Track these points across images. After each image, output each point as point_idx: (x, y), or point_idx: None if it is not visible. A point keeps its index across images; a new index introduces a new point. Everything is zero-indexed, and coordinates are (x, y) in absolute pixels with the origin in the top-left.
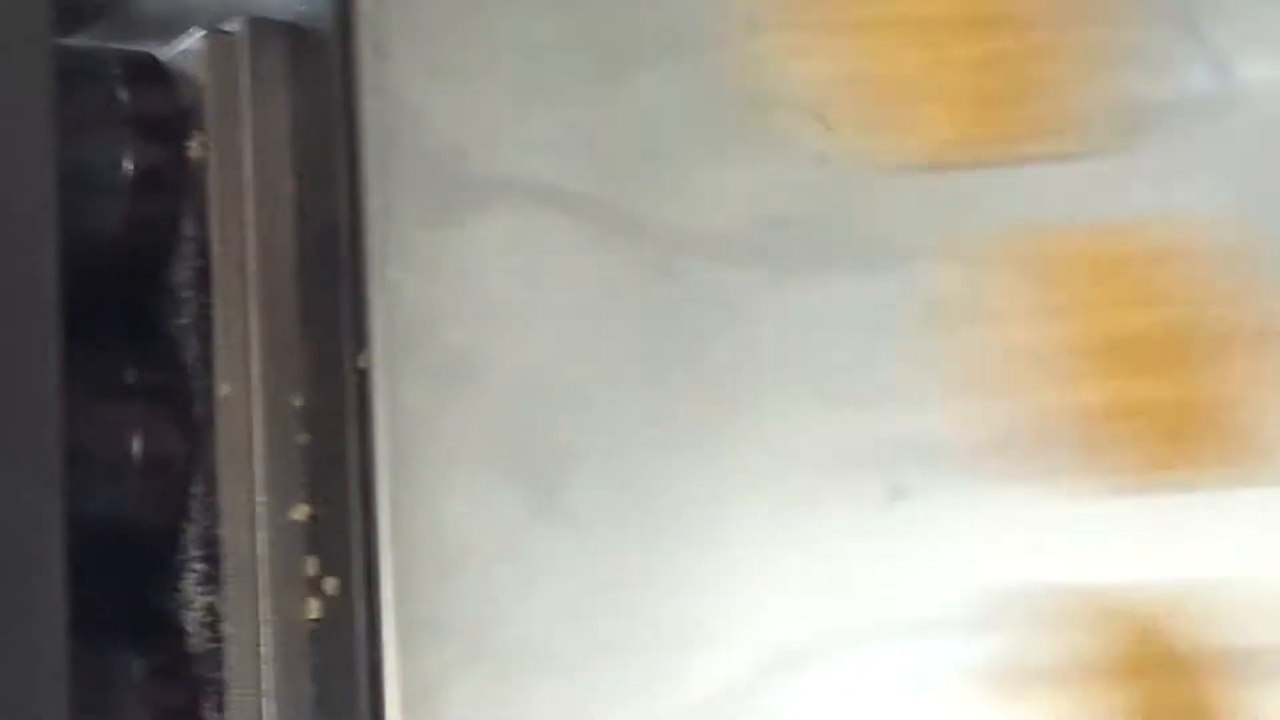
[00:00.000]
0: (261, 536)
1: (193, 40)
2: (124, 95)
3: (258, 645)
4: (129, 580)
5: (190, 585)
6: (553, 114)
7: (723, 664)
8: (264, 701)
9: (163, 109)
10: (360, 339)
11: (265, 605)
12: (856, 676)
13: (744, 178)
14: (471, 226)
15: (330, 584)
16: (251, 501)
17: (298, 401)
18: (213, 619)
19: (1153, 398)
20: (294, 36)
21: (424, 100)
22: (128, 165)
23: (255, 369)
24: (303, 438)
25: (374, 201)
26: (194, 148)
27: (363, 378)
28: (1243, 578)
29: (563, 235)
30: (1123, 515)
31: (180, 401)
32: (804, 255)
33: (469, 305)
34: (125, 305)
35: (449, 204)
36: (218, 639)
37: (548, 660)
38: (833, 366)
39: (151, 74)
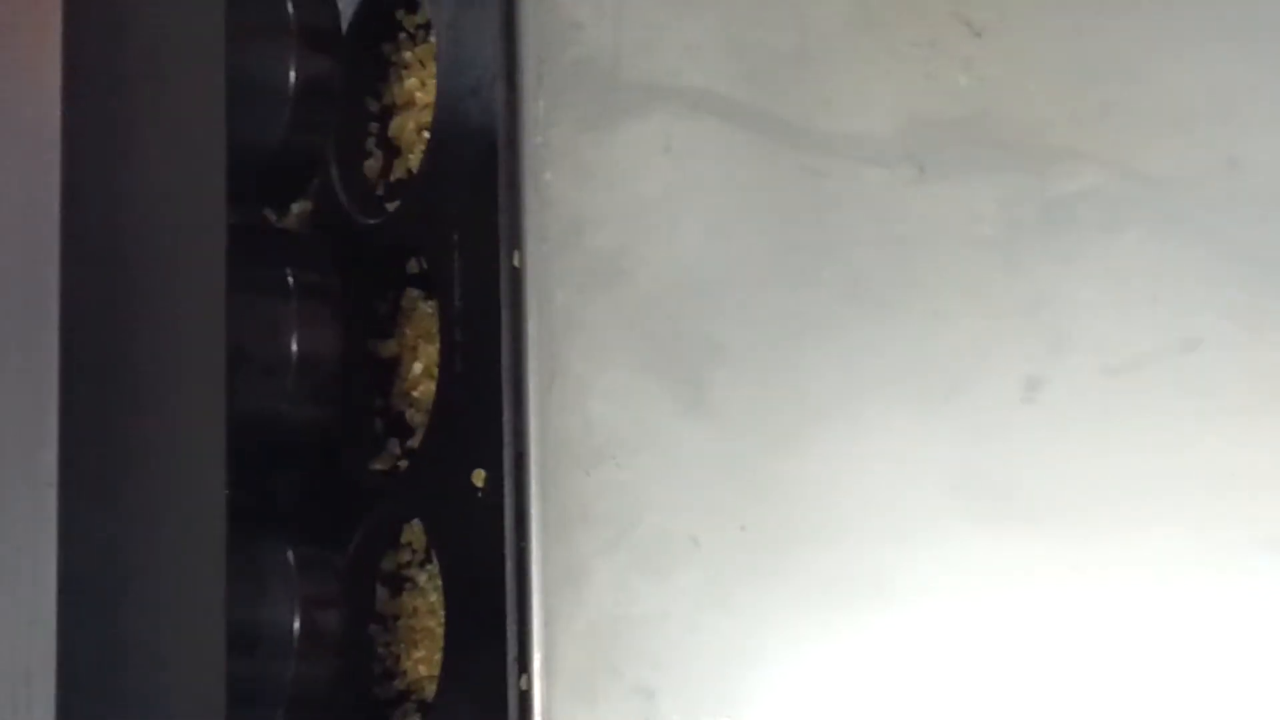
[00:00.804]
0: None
1: None
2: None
3: None
4: (284, 475)
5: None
6: (705, 21)
7: (860, 554)
8: None
9: (325, 22)
10: (515, 240)
11: None
12: (992, 565)
13: (892, 82)
14: (624, 131)
15: (479, 476)
16: None
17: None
18: None
19: None
20: None
21: (581, 9)
22: (290, 75)
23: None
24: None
25: (531, 108)
26: None
27: (517, 277)
28: None
29: (713, 139)
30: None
31: (336, 303)
32: (950, 156)
33: (620, 207)
34: (285, 210)
35: (603, 110)
36: None
37: (690, 549)
38: (974, 264)
39: None
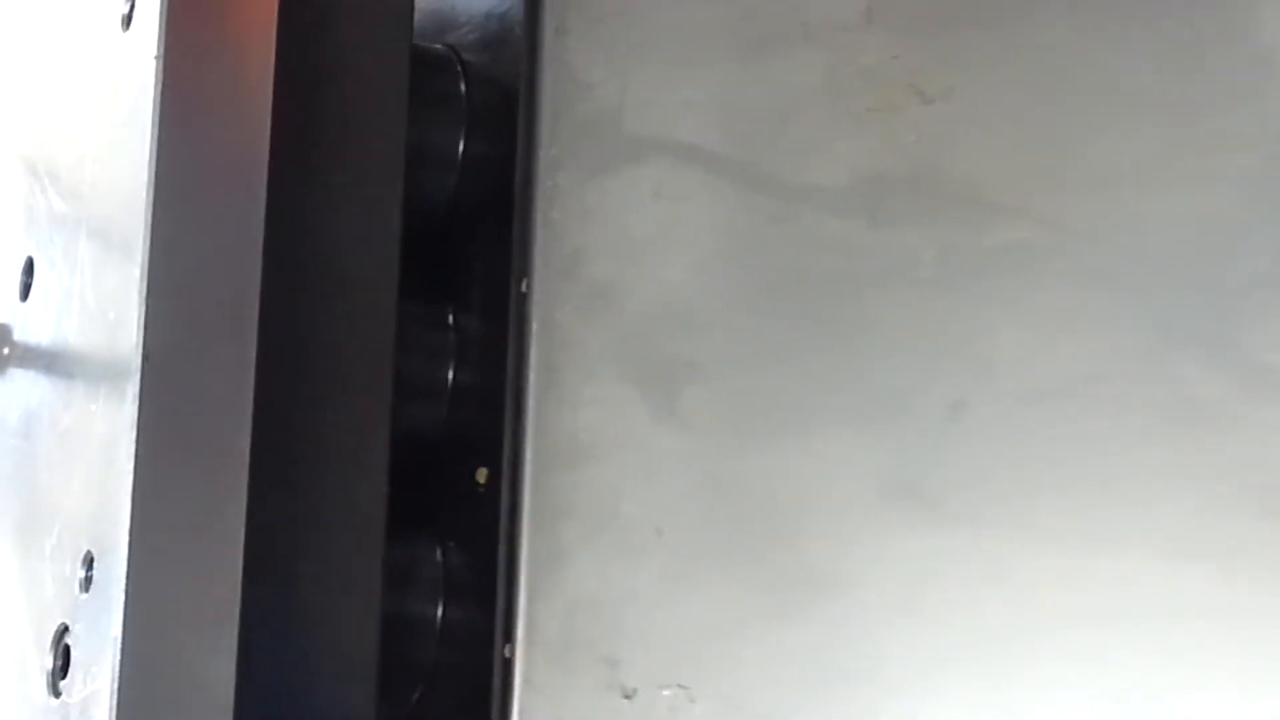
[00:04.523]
0: None
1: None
2: None
3: None
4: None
5: None
6: (698, 86)
7: (803, 548)
8: None
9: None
10: (524, 268)
11: None
12: (919, 560)
13: (853, 142)
14: (623, 178)
15: (482, 474)
16: None
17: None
18: None
19: None
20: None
21: (592, 72)
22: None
23: None
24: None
25: (544, 155)
26: None
27: (523, 301)
28: None
29: (698, 187)
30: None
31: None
32: (898, 208)
33: (615, 243)
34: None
35: (606, 158)
36: None
37: (658, 535)
38: (913, 301)
39: None
